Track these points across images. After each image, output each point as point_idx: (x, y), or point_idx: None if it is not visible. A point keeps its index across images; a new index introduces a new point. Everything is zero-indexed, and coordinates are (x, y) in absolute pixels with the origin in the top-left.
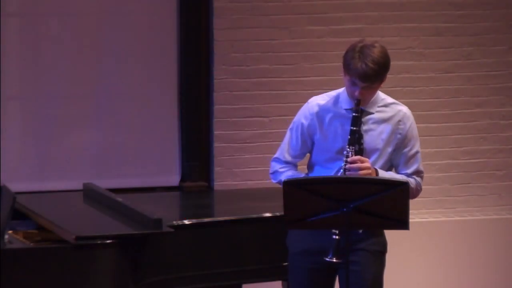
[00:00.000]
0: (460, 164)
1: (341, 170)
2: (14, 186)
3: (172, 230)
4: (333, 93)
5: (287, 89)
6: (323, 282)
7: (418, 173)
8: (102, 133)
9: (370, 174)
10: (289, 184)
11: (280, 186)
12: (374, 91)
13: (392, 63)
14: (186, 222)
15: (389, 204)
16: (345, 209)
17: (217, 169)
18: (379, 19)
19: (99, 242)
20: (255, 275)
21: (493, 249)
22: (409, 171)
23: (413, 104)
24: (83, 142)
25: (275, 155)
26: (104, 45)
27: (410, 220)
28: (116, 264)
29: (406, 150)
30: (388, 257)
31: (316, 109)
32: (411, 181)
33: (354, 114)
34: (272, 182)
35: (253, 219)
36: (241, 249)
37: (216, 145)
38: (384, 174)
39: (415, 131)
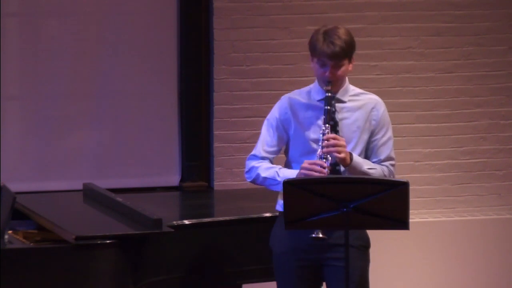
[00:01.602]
0: (460, 164)
1: (320, 146)
2: (14, 186)
3: (172, 230)
4: (305, 88)
5: (287, 89)
6: (310, 279)
7: (390, 159)
8: (102, 133)
9: (346, 153)
10: (289, 184)
11: (255, 184)
12: (343, 71)
13: (392, 63)
14: (186, 222)
15: (389, 204)
16: (345, 209)
17: (217, 169)
18: (379, 19)
19: (99, 242)
20: (255, 275)
21: (493, 249)
22: (382, 157)
23: (413, 104)
24: (83, 142)
25: (251, 153)
26: (104, 45)
27: (410, 220)
28: (116, 264)
29: (378, 136)
30: (388, 257)
31: (289, 103)
32: (384, 169)
33: (327, 94)
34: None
35: (253, 219)
36: (241, 249)
37: (216, 145)
38: (358, 159)
39: (387, 118)
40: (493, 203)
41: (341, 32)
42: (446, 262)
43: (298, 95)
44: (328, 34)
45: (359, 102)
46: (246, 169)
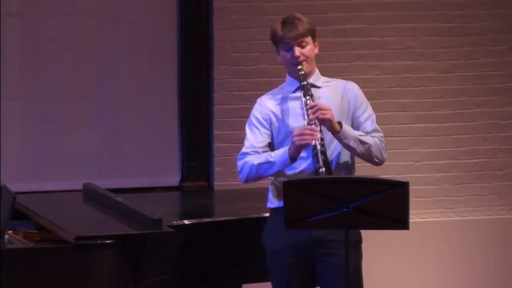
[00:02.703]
0: (460, 164)
1: (305, 116)
2: (14, 186)
3: (172, 230)
4: (276, 88)
5: None
6: (304, 276)
7: (377, 131)
8: (102, 133)
9: (332, 115)
10: (289, 184)
11: (250, 180)
12: (309, 50)
13: (392, 63)
14: (186, 222)
15: (389, 204)
16: (345, 209)
17: (217, 169)
18: (379, 19)
19: (99, 242)
20: (255, 275)
21: (493, 249)
22: (368, 129)
23: (413, 104)
24: (83, 142)
25: (240, 153)
26: (104, 45)
27: (410, 220)
28: (116, 264)
29: (359, 112)
30: (388, 257)
31: (265, 102)
32: (375, 139)
33: (300, 72)
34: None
35: (253, 219)
36: (241, 249)
37: (216, 145)
38: (348, 127)
39: (364, 96)
40: (493, 203)
41: (298, 15)
42: (446, 262)
43: (271, 93)
44: (285, 20)
45: (332, 87)
46: (239, 169)
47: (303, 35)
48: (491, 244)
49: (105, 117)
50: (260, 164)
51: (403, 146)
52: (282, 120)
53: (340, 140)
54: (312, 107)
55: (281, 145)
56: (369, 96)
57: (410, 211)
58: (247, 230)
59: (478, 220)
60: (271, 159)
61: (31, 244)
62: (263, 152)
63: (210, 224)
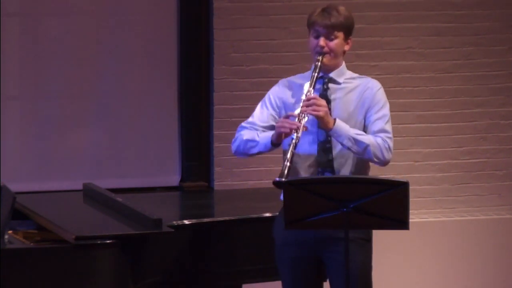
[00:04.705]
0: (460, 164)
1: (299, 110)
2: (14, 186)
3: (172, 230)
4: (304, 73)
5: None
6: (310, 270)
7: (384, 131)
8: (102, 133)
9: (325, 114)
10: (289, 184)
11: (239, 154)
12: (337, 44)
13: (392, 63)
14: (186, 222)
15: (389, 204)
16: (345, 209)
17: (217, 169)
18: (379, 19)
19: (99, 242)
20: (255, 275)
21: (493, 249)
22: (375, 129)
23: (413, 104)
24: (83, 142)
25: (240, 124)
26: (104, 45)
27: (410, 220)
28: (116, 264)
29: (373, 111)
30: (388, 257)
31: (285, 84)
32: (378, 139)
33: (316, 63)
34: (232, 153)
35: (253, 219)
36: (241, 249)
37: (216, 145)
38: (342, 124)
39: (383, 97)
40: (493, 203)
41: (340, 8)
42: (446, 262)
43: (295, 77)
44: (327, 7)
45: (354, 84)
46: (233, 139)
47: (334, 27)
48: (491, 244)
49: (105, 117)
50: (247, 140)
51: (403, 146)
52: (292, 105)
53: (333, 137)
54: (309, 99)
55: None
56: None
57: (410, 211)
58: (247, 230)
59: (478, 220)
60: (257, 138)
61: (31, 244)
62: (261, 131)
63: (210, 224)
